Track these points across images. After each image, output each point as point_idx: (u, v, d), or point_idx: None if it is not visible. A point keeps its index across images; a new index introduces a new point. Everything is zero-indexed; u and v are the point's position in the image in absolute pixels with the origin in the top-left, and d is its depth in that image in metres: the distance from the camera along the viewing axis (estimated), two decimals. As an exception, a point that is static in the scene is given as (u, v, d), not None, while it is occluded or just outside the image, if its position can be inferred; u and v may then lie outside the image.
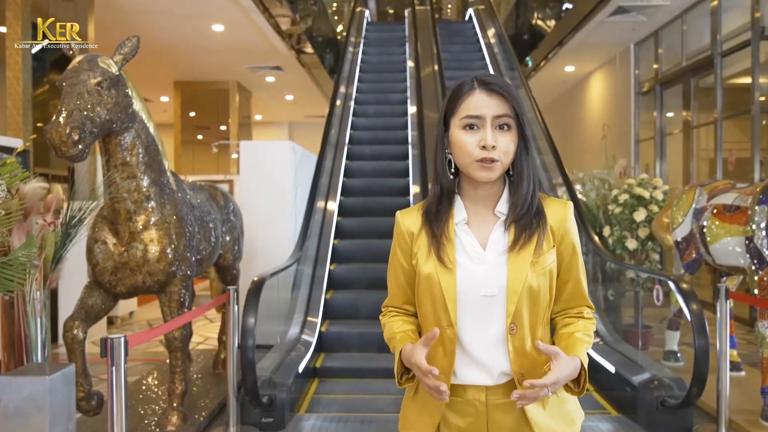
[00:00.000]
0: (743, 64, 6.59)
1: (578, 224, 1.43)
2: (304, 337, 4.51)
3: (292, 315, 4.72)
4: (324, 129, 6.87)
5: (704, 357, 3.08)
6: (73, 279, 4.41)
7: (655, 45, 8.60)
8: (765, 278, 3.51)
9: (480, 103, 1.30)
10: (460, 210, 1.37)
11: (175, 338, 3.29)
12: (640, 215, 4.93)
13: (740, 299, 3.79)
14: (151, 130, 3.17)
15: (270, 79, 12.75)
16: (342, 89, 8.25)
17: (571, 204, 1.40)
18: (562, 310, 1.41)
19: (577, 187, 5.84)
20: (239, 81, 13.02)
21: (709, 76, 7.24)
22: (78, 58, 2.89)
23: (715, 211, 4.00)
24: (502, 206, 1.36)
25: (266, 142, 10.49)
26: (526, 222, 1.32)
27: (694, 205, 4.26)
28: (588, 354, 1.34)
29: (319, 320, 4.76)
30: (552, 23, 9.82)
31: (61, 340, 3.34)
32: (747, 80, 6.39)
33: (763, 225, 3.52)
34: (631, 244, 5.01)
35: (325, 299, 5.01)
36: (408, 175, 6.54)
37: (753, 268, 3.59)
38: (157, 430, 3.29)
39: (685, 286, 3.40)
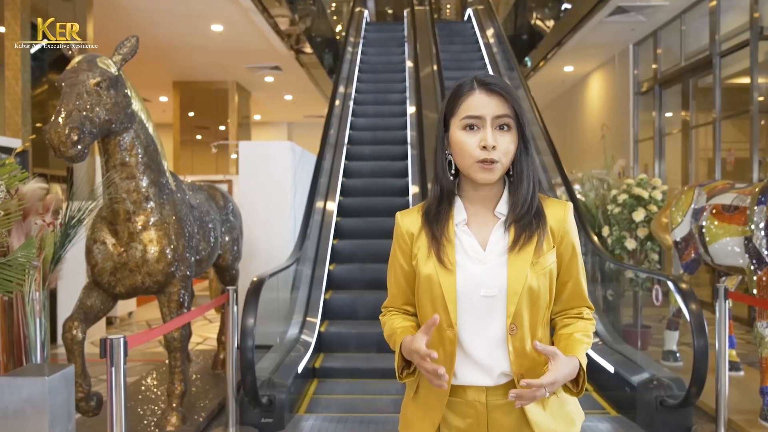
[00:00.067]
0: (742, 64, 6.59)
1: (577, 224, 1.43)
2: (304, 337, 4.51)
3: (291, 315, 4.72)
4: (323, 129, 6.87)
5: (703, 357, 3.08)
6: (73, 279, 4.41)
7: (654, 45, 8.61)
8: (764, 278, 3.51)
9: (480, 104, 1.30)
10: (460, 211, 1.37)
11: (174, 339, 3.29)
12: (639, 215, 4.94)
13: (739, 299, 3.80)
14: (150, 130, 3.16)
15: (269, 79, 12.75)
16: (341, 89, 8.24)
17: (570, 205, 1.40)
18: (562, 311, 1.41)
19: (576, 187, 5.84)
20: (238, 81, 13.01)
21: (708, 76, 7.24)
22: (77, 59, 2.89)
23: (714, 211, 4.01)
24: (502, 207, 1.36)
25: (265, 142, 10.48)
26: (526, 222, 1.32)
27: (693, 205, 4.26)
28: (587, 354, 1.34)
29: (318, 320, 4.76)
30: (551, 23, 9.82)
31: (60, 341, 3.35)
32: (746, 80, 6.40)
33: (762, 225, 3.53)
34: (630, 244, 5.01)
35: (325, 299, 5.01)
36: (407, 176, 6.55)
37: (752, 268, 3.59)
38: (157, 430, 3.29)
39: (684, 286, 3.40)
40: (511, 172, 1.36)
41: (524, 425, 1.31)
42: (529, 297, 1.30)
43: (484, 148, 1.28)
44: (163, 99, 14.34)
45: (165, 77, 12.55)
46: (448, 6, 18.21)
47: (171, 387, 3.35)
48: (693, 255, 4.29)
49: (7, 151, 4.68)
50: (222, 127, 13.17)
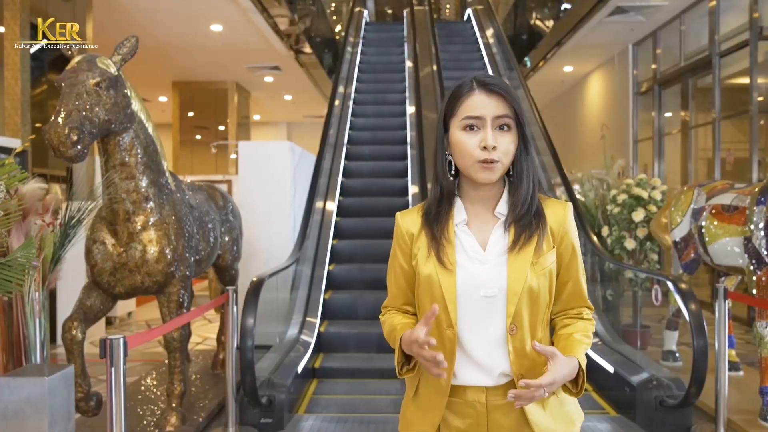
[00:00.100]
0: (741, 64, 6.60)
1: (577, 225, 1.43)
2: (303, 337, 4.51)
3: (290, 315, 4.72)
4: (323, 129, 6.87)
5: (703, 357, 3.09)
6: (72, 280, 4.41)
7: (653, 45, 8.61)
8: (763, 278, 3.52)
9: (480, 104, 1.30)
10: (459, 211, 1.37)
11: (173, 339, 3.29)
12: (638, 215, 4.94)
13: (739, 299, 3.80)
14: (150, 130, 3.16)
15: (268, 79, 12.75)
16: (341, 89, 8.24)
17: (570, 205, 1.40)
18: (562, 311, 1.41)
19: (576, 187, 5.84)
20: (238, 81, 13.01)
21: (708, 76, 7.25)
22: (76, 59, 2.89)
23: (713, 211, 4.01)
24: (502, 207, 1.36)
25: (265, 142, 10.48)
26: (525, 222, 1.33)
27: (692, 206, 4.26)
28: (587, 354, 1.34)
29: (317, 320, 4.76)
30: (550, 23, 9.83)
31: (59, 341, 3.34)
32: (745, 80, 6.40)
33: (761, 225, 3.53)
34: (630, 244, 5.01)
35: (324, 299, 5.01)
36: (407, 176, 6.55)
37: (751, 268, 3.59)
38: (156, 430, 3.29)
39: (683, 286, 3.40)
40: (510, 172, 1.36)
41: (524, 425, 1.31)
42: (529, 297, 1.30)
43: (485, 148, 1.28)
44: (163, 99, 14.34)
45: (164, 77, 12.55)
46: (448, 6, 18.21)
47: (170, 387, 3.35)
48: (692, 255, 4.29)
49: (7, 151, 4.68)
50: (221, 127, 13.17)
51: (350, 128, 7.63)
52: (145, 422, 3.42)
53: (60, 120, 2.61)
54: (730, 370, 3.90)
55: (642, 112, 9.18)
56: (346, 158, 6.95)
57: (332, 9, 14.84)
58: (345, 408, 3.81)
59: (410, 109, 7.59)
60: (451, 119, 1.35)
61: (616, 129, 9.65)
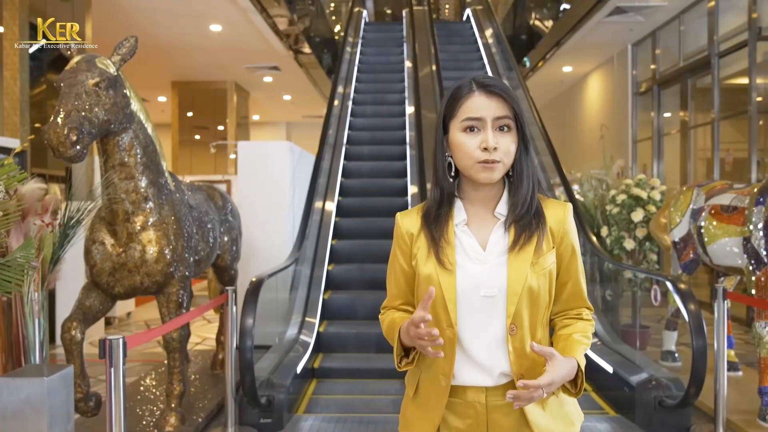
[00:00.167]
0: (740, 64, 6.60)
1: (576, 225, 1.43)
2: (303, 337, 4.51)
3: (290, 315, 4.72)
4: (322, 129, 6.87)
5: (702, 357, 3.09)
6: (71, 280, 4.40)
7: (652, 45, 8.62)
8: (762, 278, 3.52)
9: (480, 105, 1.30)
10: (459, 211, 1.37)
11: (173, 339, 3.29)
12: (637, 215, 4.94)
13: (738, 299, 3.80)
14: (149, 130, 3.16)
15: (268, 79, 12.74)
16: (340, 89, 8.24)
17: (570, 205, 1.40)
18: (561, 311, 1.41)
19: (575, 187, 5.84)
20: (237, 81, 13.01)
21: (707, 76, 7.25)
22: (76, 59, 2.88)
23: (712, 211, 4.01)
24: (502, 207, 1.36)
25: (264, 142, 10.48)
26: (525, 222, 1.33)
27: (691, 206, 4.27)
28: (586, 354, 1.34)
29: (317, 321, 4.76)
30: (550, 23, 9.83)
31: (59, 341, 3.34)
32: (744, 81, 6.41)
33: (760, 225, 3.53)
34: (629, 244, 5.01)
35: (323, 300, 5.01)
36: (406, 176, 6.55)
37: (750, 268, 3.59)
38: (156, 430, 3.29)
39: (682, 286, 3.40)
40: (510, 173, 1.36)
41: (524, 426, 1.31)
42: (529, 297, 1.30)
43: (485, 149, 1.29)
44: (162, 99, 14.34)
45: (164, 77, 12.54)
46: (447, 6, 18.20)
47: (170, 387, 3.35)
48: (691, 255, 4.29)
49: (6, 151, 4.68)
50: (221, 127, 13.16)
51: (349, 128, 7.63)
52: (144, 422, 3.41)
53: (59, 120, 2.61)
54: (729, 370, 3.90)
55: (641, 113, 9.19)
56: (345, 158, 6.95)
57: (331, 9, 14.84)
58: (344, 408, 3.81)
59: (409, 109, 7.59)
60: (450, 121, 1.35)
61: (616, 129, 9.66)
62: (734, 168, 6.83)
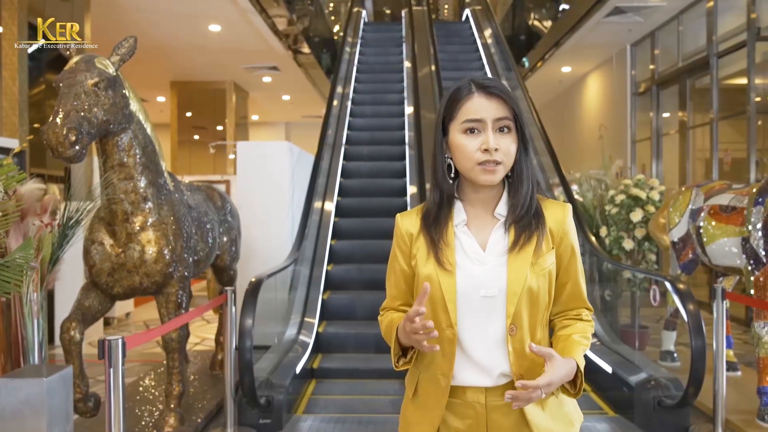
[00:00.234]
0: (739, 65, 6.61)
1: (576, 225, 1.43)
2: (302, 338, 4.51)
3: (289, 316, 4.72)
4: (321, 129, 6.86)
5: (701, 357, 3.09)
6: (70, 280, 4.40)
7: (651, 46, 8.62)
8: (761, 278, 3.52)
9: (480, 107, 1.30)
10: (459, 212, 1.37)
11: (172, 339, 3.29)
12: (636, 216, 4.95)
13: (736, 299, 3.80)
14: (149, 130, 3.16)
15: (267, 79, 12.74)
16: (339, 89, 8.24)
17: (569, 206, 1.41)
18: (561, 312, 1.41)
19: (574, 187, 5.85)
20: (236, 81, 13.00)
21: (705, 76, 7.26)
22: (75, 59, 2.88)
23: (711, 211, 4.02)
24: (502, 208, 1.36)
25: (263, 142, 10.49)
26: (525, 223, 1.33)
27: (690, 206, 4.27)
28: (585, 354, 1.34)
29: (316, 321, 4.76)
30: (548, 24, 9.84)
31: (58, 342, 3.34)
32: (743, 81, 6.41)
33: (759, 225, 3.54)
34: (628, 244, 5.02)
35: (323, 300, 5.01)
36: (405, 176, 6.55)
37: (749, 268, 3.60)
38: (155, 431, 3.28)
39: (681, 286, 3.41)
40: (510, 174, 1.36)
41: (523, 426, 1.31)
42: (529, 297, 1.30)
43: (486, 150, 1.29)
44: (161, 99, 14.33)
45: (163, 77, 12.53)
46: (446, 6, 18.20)
47: (169, 388, 3.34)
48: (690, 255, 4.30)
49: (5, 151, 4.68)
50: (220, 128, 13.16)
51: (348, 128, 7.63)
52: (143, 423, 3.41)
53: (58, 120, 2.61)
54: (728, 370, 3.91)
55: (640, 113, 9.20)
56: (344, 158, 6.95)
57: (330, 9, 14.83)
58: (343, 408, 3.81)
59: (408, 110, 7.59)
60: (450, 123, 1.35)
61: (614, 129, 9.67)
62: (733, 168, 6.84)
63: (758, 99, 6.30)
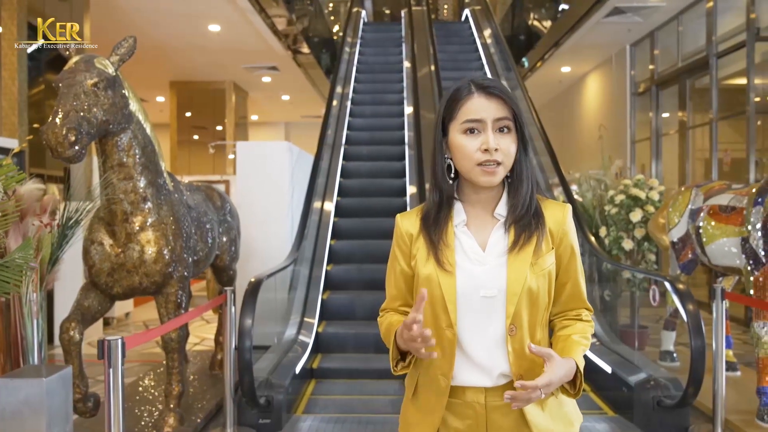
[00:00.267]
0: (738, 65, 6.61)
1: (575, 226, 1.43)
2: (301, 338, 4.51)
3: (288, 316, 4.72)
4: (321, 129, 6.87)
5: (700, 357, 3.09)
6: (70, 280, 4.40)
7: (650, 46, 8.62)
8: (760, 278, 3.52)
9: (480, 107, 1.30)
10: (459, 213, 1.37)
11: (171, 339, 3.29)
12: (636, 216, 4.95)
13: (736, 300, 3.80)
14: (148, 130, 3.16)
15: (266, 79, 12.74)
16: (338, 89, 8.24)
17: (569, 206, 1.41)
18: (561, 312, 1.41)
19: (574, 187, 5.85)
20: (235, 81, 13.00)
21: (705, 77, 7.26)
22: (74, 59, 2.88)
23: (711, 211, 4.02)
24: (502, 208, 1.36)
25: (263, 142, 10.49)
26: (525, 223, 1.33)
27: (690, 206, 4.27)
28: (584, 354, 1.34)
29: (315, 321, 4.76)
30: (548, 24, 9.84)
31: (57, 342, 3.34)
32: (742, 81, 6.42)
33: (758, 226, 3.54)
34: (628, 244, 5.02)
35: (322, 300, 5.01)
36: (405, 176, 6.55)
37: (749, 268, 3.60)
38: (154, 431, 3.28)
39: (681, 286, 3.41)
40: (509, 174, 1.36)
41: (523, 426, 1.32)
42: (529, 298, 1.30)
43: (486, 150, 1.29)
44: (160, 99, 14.32)
45: (162, 77, 12.53)
46: (446, 6, 18.21)
47: (168, 388, 3.34)
48: (690, 255, 4.30)
49: (4, 151, 4.68)
50: (219, 128, 13.15)
51: (348, 128, 7.63)
52: (143, 423, 3.41)
53: (58, 120, 2.61)
54: (727, 370, 3.91)
55: (639, 113, 9.20)
56: (344, 158, 6.95)
57: (330, 9, 14.83)
58: (343, 408, 3.80)
59: (408, 110, 7.59)
60: (449, 123, 1.35)
61: (614, 129, 9.67)
62: (732, 168, 6.84)
63: (758, 99, 6.30)
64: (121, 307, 6.57)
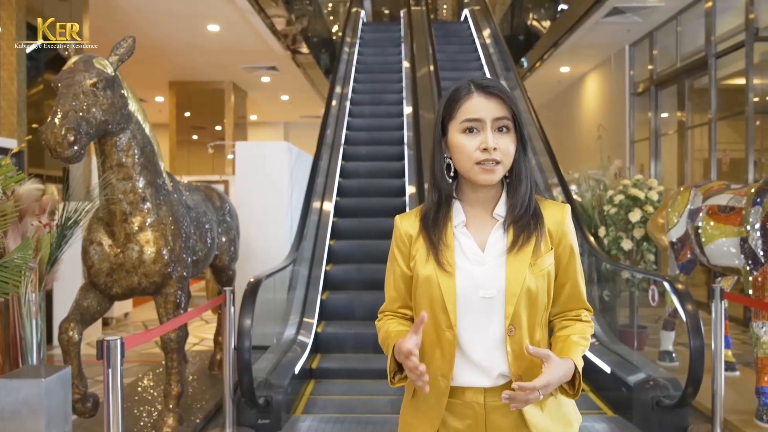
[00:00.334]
0: (737, 65, 6.62)
1: (575, 226, 1.43)
2: (300, 338, 4.51)
3: (288, 316, 4.72)
4: (320, 129, 6.87)
5: (699, 357, 3.10)
6: (69, 281, 4.40)
7: (649, 46, 8.63)
8: (759, 279, 3.53)
9: (479, 106, 1.31)
10: (458, 213, 1.37)
11: (171, 340, 3.28)
12: (635, 216, 4.95)
13: (735, 300, 3.81)
14: (147, 131, 3.16)
15: (265, 79, 12.73)
16: (338, 89, 8.24)
17: (568, 207, 1.41)
18: (560, 313, 1.41)
19: (573, 187, 5.85)
20: (235, 81, 12.99)
21: (704, 77, 7.26)
22: (73, 59, 2.88)
23: (710, 211, 4.02)
24: (501, 209, 1.36)
25: (262, 142, 10.49)
26: (524, 223, 1.33)
27: (689, 206, 4.27)
28: (583, 355, 1.34)
29: (315, 321, 4.76)
30: (547, 24, 9.84)
31: (56, 342, 3.33)
32: (741, 81, 6.42)
33: (757, 226, 3.54)
34: (627, 244, 5.02)
35: (321, 300, 5.01)
36: (404, 176, 6.55)
37: (747, 268, 3.60)
38: (153, 431, 3.28)
39: (680, 286, 3.41)
40: (508, 174, 1.36)
41: (522, 426, 1.32)
42: (528, 298, 1.30)
43: (485, 150, 1.29)
44: (160, 99, 14.32)
45: (161, 77, 12.52)
46: (445, 6, 18.21)
47: (168, 388, 3.34)
48: (689, 255, 4.30)
49: (3, 151, 4.68)
50: (218, 128, 13.15)
51: (347, 128, 7.63)
52: (142, 423, 3.41)
53: (57, 120, 2.61)
54: (726, 370, 3.92)
55: (638, 113, 9.21)
56: (343, 158, 6.95)
57: (329, 9, 14.83)
58: (342, 408, 3.80)
59: (407, 110, 7.59)
60: (449, 122, 1.35)
61: (613, 129, 9.67)
62: (731, 168, 6.84)
63: (756, 99, 6.31)
64: (120, 308, 6.57)
